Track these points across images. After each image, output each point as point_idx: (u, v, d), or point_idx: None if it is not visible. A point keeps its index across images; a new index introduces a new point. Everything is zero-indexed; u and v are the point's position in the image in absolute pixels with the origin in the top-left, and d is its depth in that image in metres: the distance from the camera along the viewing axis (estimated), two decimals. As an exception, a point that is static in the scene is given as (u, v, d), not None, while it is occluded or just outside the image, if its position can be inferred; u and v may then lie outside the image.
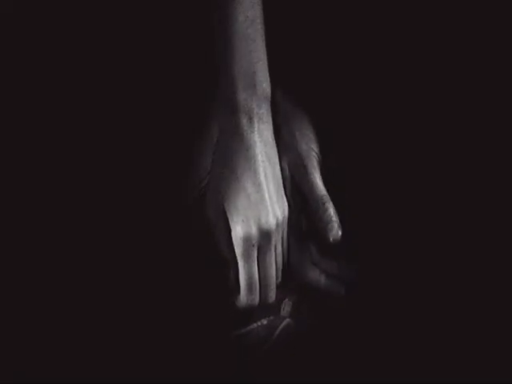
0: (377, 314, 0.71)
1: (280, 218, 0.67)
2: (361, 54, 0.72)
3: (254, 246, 0.66)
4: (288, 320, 0.71)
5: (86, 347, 0.69)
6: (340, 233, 0.69)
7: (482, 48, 0.70)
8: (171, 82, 0.71)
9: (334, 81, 0.72)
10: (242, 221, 0.66)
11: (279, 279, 0.71)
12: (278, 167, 0.68)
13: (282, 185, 0.69)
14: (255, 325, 0.70)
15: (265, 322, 0.71)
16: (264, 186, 0.66)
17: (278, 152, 0.69)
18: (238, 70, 0.64)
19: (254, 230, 0.66)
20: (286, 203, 0.69)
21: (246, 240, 0.66)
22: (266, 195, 0.66)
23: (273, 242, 0.67)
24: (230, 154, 0.66)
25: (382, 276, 0.72)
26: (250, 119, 0.65)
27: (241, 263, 0.67)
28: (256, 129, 0.65)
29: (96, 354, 0.69)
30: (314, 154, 0.71)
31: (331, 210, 0.69)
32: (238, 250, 0.66)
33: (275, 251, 0.68)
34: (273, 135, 0.68)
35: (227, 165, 0.66)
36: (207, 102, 0.67)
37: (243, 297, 0.68)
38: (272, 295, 0.69)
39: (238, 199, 0.66)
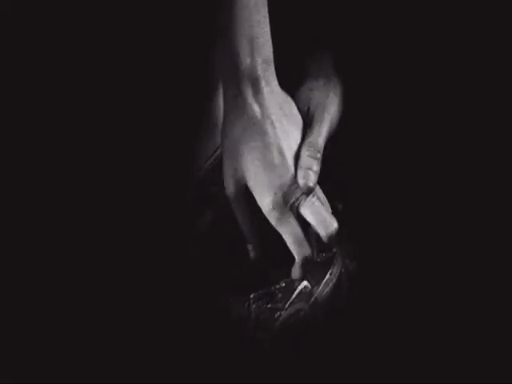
0: (377, 313, 0.71)
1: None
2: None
3: (286, 207, 0.64)
4: (305, 283, 0.70)
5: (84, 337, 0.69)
6: (311, 185, 0.65)
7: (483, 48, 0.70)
8: (174, 51, 0.71)
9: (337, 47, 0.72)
10: (268, 192, 0.64)
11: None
12: (295, 114, 0.67)
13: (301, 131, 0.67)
14: (273, 288, 0.70)
15: (283, 284, 0.70)
16: (282, 148, 0.65)
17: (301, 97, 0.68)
18: (239, 34, 0.64)
19: (281, 199, 0.64)
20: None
21: (277, 208, 0.64)
22: (287, 155, 0.65)
23: (309, 194, 0.65)
24: (239, 124, 0.65)
25: (382, 276, 0.72)
26: (255, 83, 0.65)
27: (281, 230, 0.65)
28: (262, 92, 0.65)
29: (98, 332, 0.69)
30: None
31: (315, 160, 0.66)
32: (273, 221, 0.65)
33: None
34: (282, 91, 0.66)
35: (239, 137, 0.65)
36: (211, 67, 0.67)
37: (297, 253, 0.66)
38: (334, 223, 0.66)
39: (257, 172, 0.64)
